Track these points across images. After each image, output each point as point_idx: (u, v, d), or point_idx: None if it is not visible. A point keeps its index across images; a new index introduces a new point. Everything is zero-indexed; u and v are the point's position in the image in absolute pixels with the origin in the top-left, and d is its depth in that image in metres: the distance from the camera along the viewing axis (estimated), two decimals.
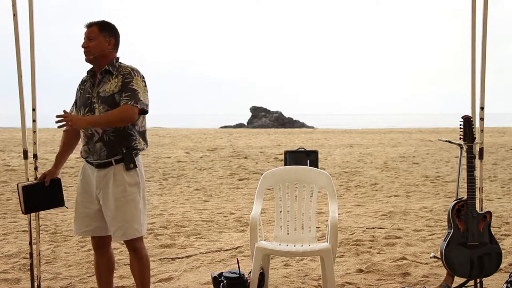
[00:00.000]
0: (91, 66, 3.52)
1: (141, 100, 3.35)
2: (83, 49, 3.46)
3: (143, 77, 3.47)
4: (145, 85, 3.45)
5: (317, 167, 9.08)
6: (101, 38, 3.44)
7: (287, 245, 4.17)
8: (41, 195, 3.58)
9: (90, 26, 3.46)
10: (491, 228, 3.99)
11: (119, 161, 3.40)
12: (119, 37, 3.55)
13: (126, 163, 3.39)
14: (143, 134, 3.51)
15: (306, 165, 9.00)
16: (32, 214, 4.06)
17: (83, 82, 3.58)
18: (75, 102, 3.60)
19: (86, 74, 3.56)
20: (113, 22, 3.53)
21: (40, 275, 4.23)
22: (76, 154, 3.72)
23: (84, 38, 3.45)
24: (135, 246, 3.50)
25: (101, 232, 3.53)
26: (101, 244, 3.61)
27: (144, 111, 3.40)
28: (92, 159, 3.44)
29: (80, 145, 3.61)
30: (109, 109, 3.36)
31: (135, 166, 3.42)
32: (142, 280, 3.55)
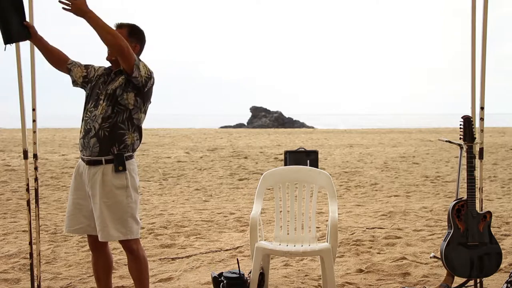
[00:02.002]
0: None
1: (139, 60, 3.36)
2: (107, 48, 3.45)
3: (151, 72, 3.45)
4: (149, 74, 3.42)
5: (317, 167, 9.09)
6: (128, 42, 3.43)
7: (287, 245, 4.17)
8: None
9: (120, 27, 3.47)
10: (491, 228, 3.99)
11: (109, 161, 3.39)
12: (144, 43, 3.57)
13: (115, 164, 3.38)
14: (139, 129, 3.51)
15: (306, 165, 9.01)
16: (32, 214, 4.06)
17: (102, 74, 3.56)
18: (87, 79, 3.58)
19: (107, 67, 3.58)
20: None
21: (40, 275, 4.23)
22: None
23: None
24: (131, 248, 3.49)
25: (92, 231, 3.52)
26: (98, 244, 3.60)
27: (138, 67, 3.34)
28: (85, 154, 3.44)
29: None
30: (110, 104, 3.38)
31: (124, 169, 3.40)
32: (140, 281, 3.55)
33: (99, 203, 3.39)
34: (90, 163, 3.42)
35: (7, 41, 3.42)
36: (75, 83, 3.63)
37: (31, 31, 3.50)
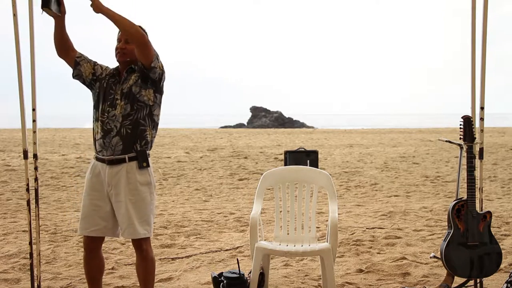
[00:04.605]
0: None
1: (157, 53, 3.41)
2: (118, 49, 3.47)
3: (163, 66, 3.52)
4: (163, 67, 3.49)
5: (317, 167, 9.08)
6: None
7: (287, 245, 4.17)
8: None
9: None
10: (491, 228, 3.99)
11: (132, 159, 3.41)
12: None
13: (140, 161, 3.41)
14: (157, 127, 3.55)
15: (306, 165, 9.00)
16: (32, 214, 4.06)
17: (110, 75, 3.56)
18: (96, 77, 3.58)
19: (114, 67, 3.59)
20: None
21: (40, 275, 4.23)
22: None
23: (120, 39, 3.48)
24: (142, 247, 3.49)
25: (107, 233, 3.52)
26: (96, 245, 3.59)
27: (157, 58, 3.42)
28: (105, 154, 3.43)
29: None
30: (128, 102, 3.41)
31: (148, 165, 3.45)
32: (146, 281, 3.54)
33: (124, 201, 3.39)
34: (112, 162, 3.41)
35: (44, 4, 3.39)
36: (78, 76, 3.60)
37: (62, 9, 3.50)
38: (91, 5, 3.32)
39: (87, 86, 3.63)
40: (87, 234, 3.54)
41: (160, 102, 3.54)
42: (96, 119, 3.51)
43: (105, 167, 3.45)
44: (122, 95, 3.43)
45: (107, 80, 3.55)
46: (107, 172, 3.44)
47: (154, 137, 3.55)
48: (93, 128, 3.54)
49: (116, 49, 3.51)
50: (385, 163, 13.67)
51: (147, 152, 3.47)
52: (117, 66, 3.59)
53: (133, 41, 3.38)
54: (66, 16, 3.51)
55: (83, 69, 3.59)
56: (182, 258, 5.23)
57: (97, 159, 3.50)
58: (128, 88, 3.43)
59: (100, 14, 3.36)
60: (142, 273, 3.54)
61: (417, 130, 31.80)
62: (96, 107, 3.54)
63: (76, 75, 3.61)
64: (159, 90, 3.50)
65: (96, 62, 3.64)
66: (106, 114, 3.44)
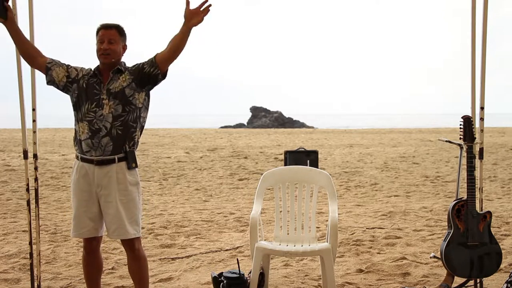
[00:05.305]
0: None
1: None
2: (101, 50, 3.43)
3: None
4: None
5: (317, 167, 9.08)
6: (120, 42, 3.48)
7: (287, 245, 4.17)
8: None
9: (110, 28, 3.46)
10: (491, 228, 3.99)
11: (121, 159, 3.42)
12: None
13: (129, 162, 3.43)
14: (142, 128, 3.57)
15: (306, 165, 9.00)
16: (32, 214, 4.06)
17: (89, 75, 3.49)
18: (71, 79, 3.50)
19: (91, 68, 3.53)
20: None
21: (40, 275, 4.23)
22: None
23: (103, 40, 3.43)
24: (134, 247, 3.50)
25: (95, 233, 3.52)
26: (95, 246, 3.60)
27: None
28: (93, 154, 3.41)
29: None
30: (120, 103, 3.40)
31: (136, 166, 3.47)
32: (140, 281, 3.55)
33: (115, 201, 3.40)
34: (102, 162, 3.40)
35: None
36: (51, 82, 3.52)
37: (9, 14, 3.43)
38: (191, 22, 3.33)
39: (62, 91, 3.55)
40: (78, 236, 3.56)
41: (148, 105, 3.56)
42: (80, 120, 3.45)
43: (93, 168, 3.43)
44: (109, 95, 3.41)
45: (86, 80, 3.48)
46: (96, 173, 3.42)
47: (140, 137, 3.57)
48: (76, 129, 3.50)
49: (99, 50, 3.45)
50: (385, 163, 13.67)
51: (135, 152, 3.49)
52: (97, 66, 3.52)
53: (176, 54, 3.40)
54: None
55: (55, 74, 3.50)
56: (182, 258, 5.23)
57: (83, 159, 3.46)
58: (120, 90, 3.41)
59: (179, 28, 3.38)
60: (137, 272, 3.54)
61: (417, 130, 31.80)
62: (77, 108, 3.48)
63: (49, 81, 3.54)
64: (149, 94, 3.54)
65: (69, 65, 3.56)
66: (92, 114, 3.41)
